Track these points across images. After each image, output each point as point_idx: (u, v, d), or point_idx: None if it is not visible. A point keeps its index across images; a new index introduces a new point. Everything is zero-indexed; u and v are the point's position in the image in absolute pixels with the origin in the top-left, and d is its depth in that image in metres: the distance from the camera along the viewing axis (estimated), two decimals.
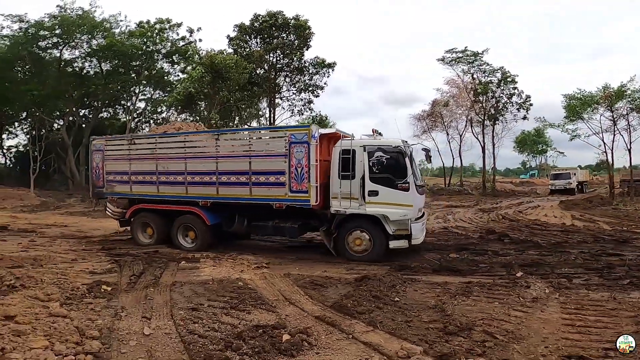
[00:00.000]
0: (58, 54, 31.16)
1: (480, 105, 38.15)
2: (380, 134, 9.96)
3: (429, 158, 10.27)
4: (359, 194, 8.87)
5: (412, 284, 7.03)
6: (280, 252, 10.36)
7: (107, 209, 11.79)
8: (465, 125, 42.63)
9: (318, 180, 8.79)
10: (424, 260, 8.98)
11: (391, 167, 8.77)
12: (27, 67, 30.83)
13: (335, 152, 9.10)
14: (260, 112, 32.70)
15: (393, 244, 8.76)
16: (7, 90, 29.38)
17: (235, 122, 31.22)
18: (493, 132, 39.26)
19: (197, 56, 27.30)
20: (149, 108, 38.75)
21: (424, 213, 10.29)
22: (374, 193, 8.76)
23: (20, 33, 28.81)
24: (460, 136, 44.03)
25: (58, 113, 35.95)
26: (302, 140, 8.84)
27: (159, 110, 39.54)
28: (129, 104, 38.20)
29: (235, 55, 26.30)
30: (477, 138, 39.62)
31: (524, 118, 37.74)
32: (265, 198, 9.28)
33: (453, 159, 46.20)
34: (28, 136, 36.34)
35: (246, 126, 31.61)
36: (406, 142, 9.31)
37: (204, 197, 9.96)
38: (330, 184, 9.08)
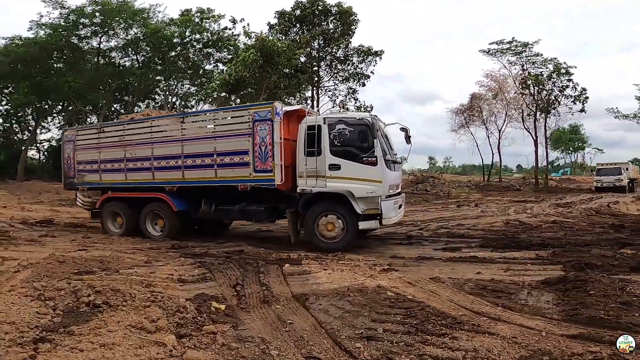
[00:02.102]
0: (96, 44, 30.09)
1: (532, 97, 35.67)
2: (347, 108, 8.63)
3: (408, 139, 9.29)
4: (325, 171, 8.34)
5: (634, 285, 5.21)
6: (384, 251, 8.55)
7: (77, 199, 11.60)
8: (505, 120, 40.57)
9: (283, 158, 8.39)
10: (597, 258, 7.03)
11: (355, 140, 8.26)
12: (64, 57, 29.63)
13: (301, 129, 8.61)
14: (306, 102, 30.67)
15: (363, 224, 8.15)
16: (45, 82, 28.32)
17: None
18: (545, 125, 36.79)
19: (248, 39, 25.55)
20: (179, 102, 37.41)
21: (400, 192, 9.58)
22: (335, 167, 8.25)
23: (60, 20, 27.63)
24: (500, 131, 41.88)
25: (91, 107, 34.87)
26: (265, 118, 8.45)
27: (189, 104, 38.16)
28: (161, 97, 36.99)
29: (286, 40, 24.41)
30: (528, 132, 37.05)
31: (582, 111, 35.08)
32: (230, 180, 8.89)
33: (492, 154, 44.00)
34: (62, 130, 35.29)
35: None
36: (376, 116, 8.70)
37: (170, 182, 9.62)
38: (297, 163, 8.61)
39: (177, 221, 9.70)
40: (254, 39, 22.80)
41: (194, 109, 38.04)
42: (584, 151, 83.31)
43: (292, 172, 8.70)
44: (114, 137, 10.46)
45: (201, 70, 33.30)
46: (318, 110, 23.55)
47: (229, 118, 9.37)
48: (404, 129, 9.17)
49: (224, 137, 8.98)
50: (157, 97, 38.13)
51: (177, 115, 10.12)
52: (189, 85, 36.79)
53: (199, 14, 29.91)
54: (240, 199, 9.12)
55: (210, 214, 9.56)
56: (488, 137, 42.59)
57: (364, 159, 8.12)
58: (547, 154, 37.53)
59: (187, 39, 30.09)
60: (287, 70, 24.10)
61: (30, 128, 36.39)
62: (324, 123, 8.38)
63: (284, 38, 27.22)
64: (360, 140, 8.23)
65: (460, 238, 10.09)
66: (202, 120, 9.75)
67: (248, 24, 28.44)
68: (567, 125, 68.50)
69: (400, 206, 9.11)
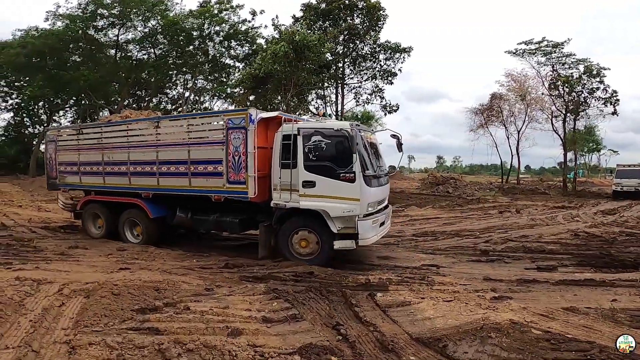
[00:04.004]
0: (113, 36, 29.13)
1: (562, 99, 34.39)
2: (329, 116, 7.49)
3: (399, 147, 8.68)
4: (299, 187, 7.63)
5: None
6: (469, 271, 7.51)
7: (59, 200, 11.53)
8: (525, 121, 39.58)
9: (256, 169, 7.73)
10: None
11: (332, 153, 7.46)
12: (80, 50, 28.62)
13: (277, 138, 7.88)
14: (330, 99, 29.47)
15: (338, 244, 7.44)
16: (60, 75, 27.43)
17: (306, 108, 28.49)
18: (574, 127, 35.45)
19: (277, 32, 24.38)
20: (193, 97, 36.37)
21: (384, 207, 8.65)
22: (309, 184, 7.51)
23: (79, 10, 26.66)
24: (519, 132, 40.74)
25: (103, 102, 33.89)
26: (239, 126, 7.82)
27: (202, 100, 37.07)
28: (175, 92, 35.97)
29: (318, 33, 23.10)
30: (557, 134, 35.79)
31: (614, 113, 33.72)
32: (204, 190, 8.40)
33: (512, 156, 42.74)
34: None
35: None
36: (358, 125, 7.92)
37: (145, 189, 9.22)
38: (272, 174, 7.94)
39: (153, 228, 9.31)
40: (283, 32, 21.57)
41: (205, 105, 37.04)
42: (599, 153, 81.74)
43: (269, 183, 8.02)
44: (93, 140, 10.15)
45: (219, 65, 32.09)
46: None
47: (203, 124, 8.85)
48: (395, 136, 8.52)
49: (198, 145, 8.49)
50: (170, 92, 37.10)
51: (153, 119, 9.56)
52: (203, 81, 35.74)
53: (217, 5, 28.81)
54: (216, 209, 8.62)
55: (186, 222, 9.07)
56: (508, 137, 41.49)
57: (341, 175, 7.31)
58: (575, 157, 36.24)
59: (206, 31, 28.95)
60: (314, 65, 22.87)
61: (41, 122, 35.44)
62: (299, 134, 7.60)
63: (309, 32, 26.04)
64: (337, 154, 7.42)
65: (542, 254, 9.07)
66: (177, 126, 9.19)
67: (277, 16, 27.16)
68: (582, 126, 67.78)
69: (382, 223, 8.21)
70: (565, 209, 20.78)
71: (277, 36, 23.50)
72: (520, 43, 34.44)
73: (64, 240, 9.55)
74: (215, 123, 8.48)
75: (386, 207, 8.83)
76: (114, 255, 7.83)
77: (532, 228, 13.30)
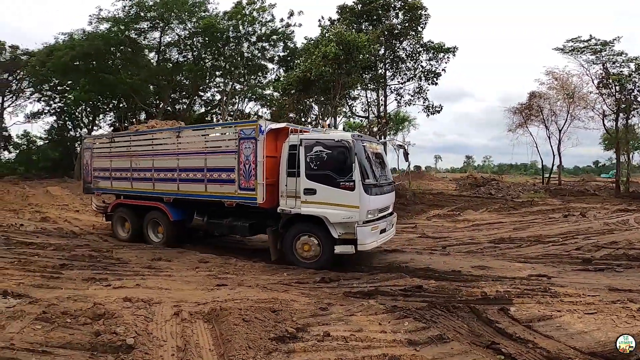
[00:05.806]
0: (153, 39, 29.42)
1: (613, 97, 32.96)
2: (335, 126, 7.20)
3: (406, 156, 9.19)
4: (301, 194, 8.06)
5: None
6: (584, 281, 6.78)
7: (93, 203, 12.49)
8: (566, 120, 37.99)
9: (264, 177, 8.23)
10: None
11: (332, 163, 7.84)
12: (119, 55, 28.95)
13: (284, 148, 8.36)
14: (371, 101, 28.79)
15: (339, 249, 7.79)
16: (104, 78, 27.80)
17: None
18: (626, 126, 33.89)
19: (326, 32, 23.83)
20: (225, 100, 36.33)
21: (388, 214, 8.95)
22: (310, 191, 7.94)
23: (122, 13, 27.04)
24: (560, 131, 39.25)
25: (141, 105, 34.20)
26: (250, 136, 8.38)
27: (233, 100, 36.89)
28: (210, 94, 36.10)
29: (364, 34, 22.38)
30: (608, 133, 34.38)
31: None
32: (218, 195, 8.98)
33: (553, 156, 41.11)
34: (112, 128, 34.79)
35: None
36: (360, 136, 8.47)
37: (167, 194, 9.95)
38: (279, 182, 8.39)
39: (173, 230, 9.98)
40: (331, 33, 21.05)
41: (237, 107, 36.81)
42: None
43: (278, 190, 8.46)
44: (122, 147, 10.95)
45: (255, 66, 31.82)
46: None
47: (218, 134, 9.52)
48: (401, 147, 8.91)
49: (213, 153, 9.07)
50: (203, 94, 37.09)
51: (175, 129, 10.25)
52: (234, 83, 35.65)
53: (248, 6, 28.52)
54: (229, 214, 9.16)
55: (203, 225, 9.68)
56: (549, 137, 40.05)
57: (341, 183, 7.68)
58: (628, 157, 34.57)
59: (241, 32, 28.75)
60: (360, 67, 22.26)
61: (82, 125, 36.07)
62: (301, 144, 8.02)
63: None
64: (338, 163, 7.77)
65: None
66: (196, 136, 9.73)
67: (322, 17, 26.52)
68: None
69: (383, 230, 8.39)
70: (630, 212, 19.69)
71: (321, 37, 22.87)
72: (568, 40, 33.16)
73: (141, 250, 9.39)
74: (229, 133, 8.93)
75: (391, 214, 9.13)
76: (200, 269, 7.58)
77: (612, 233, 12.52)
